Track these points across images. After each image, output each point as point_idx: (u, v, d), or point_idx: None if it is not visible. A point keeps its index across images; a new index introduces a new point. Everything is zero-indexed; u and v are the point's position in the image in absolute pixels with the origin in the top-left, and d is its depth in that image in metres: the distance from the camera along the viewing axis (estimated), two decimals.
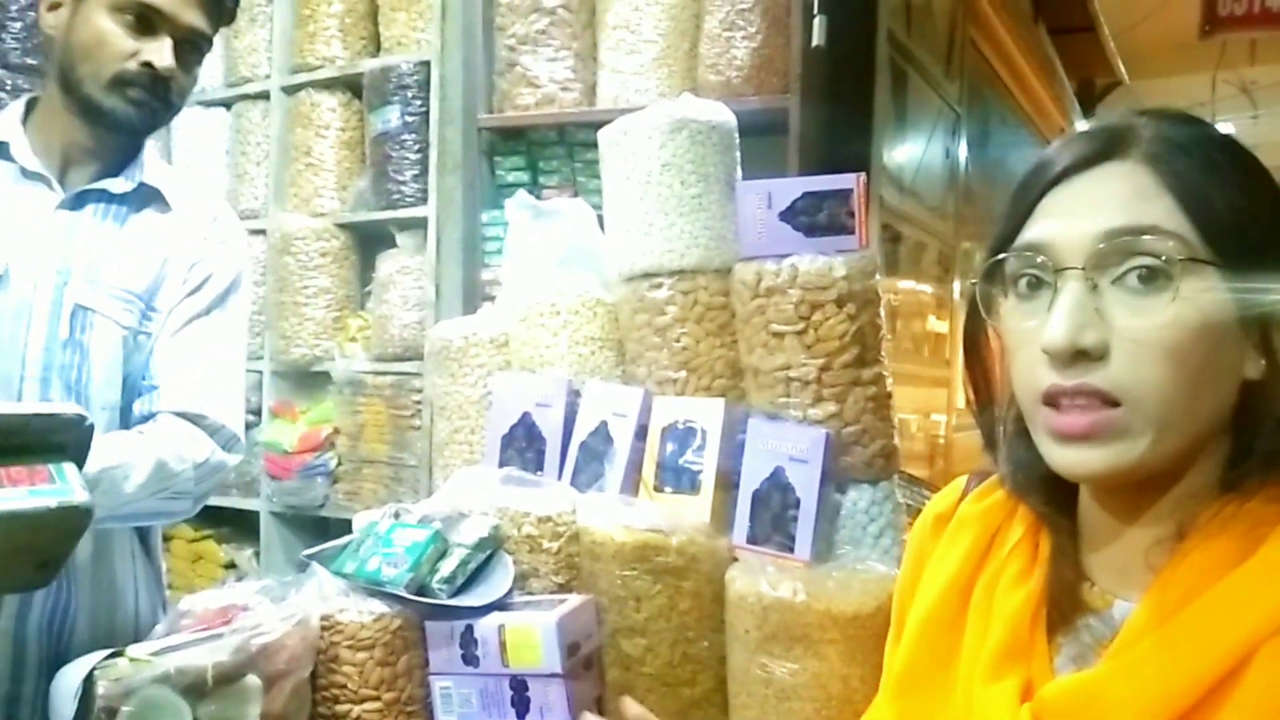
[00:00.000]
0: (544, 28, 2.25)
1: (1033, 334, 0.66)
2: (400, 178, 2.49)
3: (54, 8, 1.34)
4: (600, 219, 1.58)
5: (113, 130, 1.35)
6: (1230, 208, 0.63)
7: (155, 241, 1.41)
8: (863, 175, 1.35)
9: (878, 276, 1.36)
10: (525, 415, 1.49)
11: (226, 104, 2.92)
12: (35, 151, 1.35)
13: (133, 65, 1.30)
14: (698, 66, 2.13)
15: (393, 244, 2.62)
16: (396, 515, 1.36)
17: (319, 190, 2.68)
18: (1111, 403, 0.63)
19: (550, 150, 2.37)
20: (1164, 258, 0.62)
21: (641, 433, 1.41)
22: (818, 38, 2.00)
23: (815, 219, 1.35)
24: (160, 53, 1.30)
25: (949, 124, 3.28)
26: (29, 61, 2.75)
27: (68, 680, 1.15)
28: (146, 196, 1.41)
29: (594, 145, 1.59)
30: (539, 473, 1.46)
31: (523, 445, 1.49)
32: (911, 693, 0.76)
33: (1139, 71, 6.91)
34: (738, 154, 1.49)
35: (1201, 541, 0.64)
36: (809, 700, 1.16)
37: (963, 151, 3.47)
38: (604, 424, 1.44)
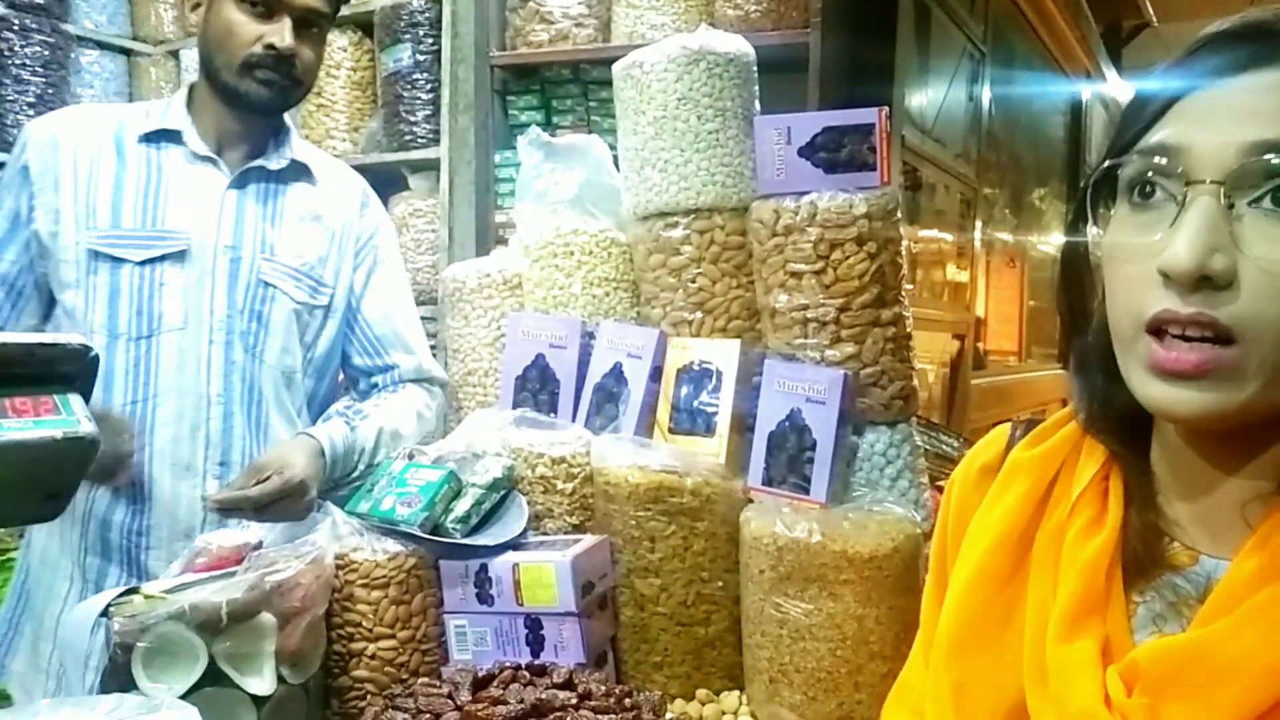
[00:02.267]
0: None
1: (1147, 250, 0.57)
2: (412, 118, 2.45)
3: (195, 7, 1.44)
4: (615, 158, 1.55)
5: (251, 111, 1.45)
6: None
7: (314, 217, 1.52)
8: (885, 109, 1.31)
9: (899, 215, 1.33)
10: (539, 357, 1.48)
11: None
12: (200, 136, 1.46)
13: (258, 48, 1.39)
14: (715, 1, 2.07)
15: (405, 186, 2.59)
16: (411, 456, 1.35)
17: (330, 132, 2.65)
18: (1225, 339, 0.55)
19: (564, 89, 2.32)
20: None
21: (656, 374, 1.39)
22: None
23: (836, 155, 1.31)
24: (281, 33, 1.39)
25: (973, 65, 3.20)
26: (36, 0, 2.72)
27: (82, 616, 1.16)
28: (297, 171, 1.52)
29: (609, 83, 1.55)
30: (552, 414, 1.44)
31: (536, 387, 1.48)
32: (969, 654, 0.68)
33: (1167, 14, 6.73)
34: (756, 88, 1.45)
35: None
36: (824, 640, 1.15)
37: (986, 94, 3.39)
38: (618, 365, 1.42)
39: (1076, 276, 0.67)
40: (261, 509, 1.27)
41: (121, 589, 1.17)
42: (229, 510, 1.29)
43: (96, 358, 0.76)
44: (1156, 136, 0.59)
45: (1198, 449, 0.63)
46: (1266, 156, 0.54)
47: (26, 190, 1.41)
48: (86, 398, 0.76)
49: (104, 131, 1.44)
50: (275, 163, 1.48)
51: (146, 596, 1.13)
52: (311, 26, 1.44)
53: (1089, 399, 0.68)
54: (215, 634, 1.10)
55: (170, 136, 1.45)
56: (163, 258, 1.40)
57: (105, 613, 1.10)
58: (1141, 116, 0.61)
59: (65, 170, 1.40)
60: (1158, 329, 0.57)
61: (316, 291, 1.50)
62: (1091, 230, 0.63)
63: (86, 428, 0.73)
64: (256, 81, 1.41)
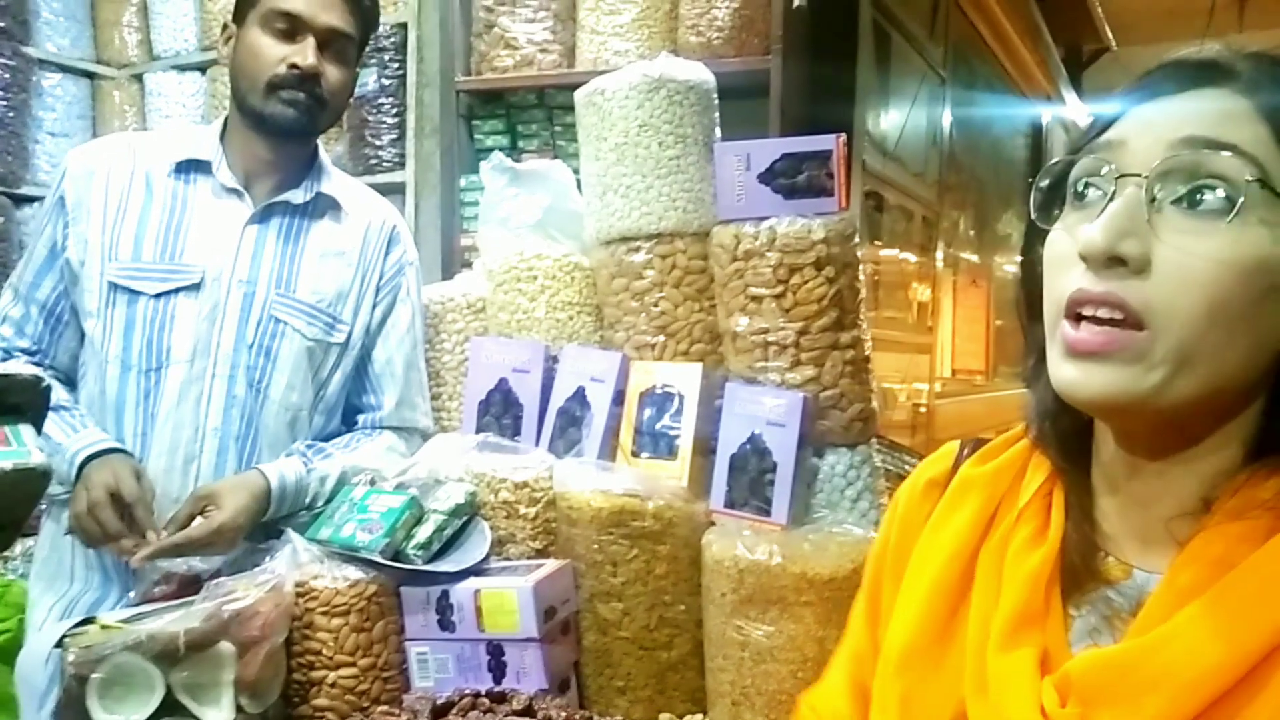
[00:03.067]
0: None
1: (1075, 235, 0.61)
2: (378, 142, 2.46)
3: (228, 40, 1.47)
4: (579, 182, 1.56)
5: (279, 135, 1.44)
6: None
7: (338, 253, 1.51)
8: (842, 136, 1.33)
9: (857, 239, 1.35)
10: (502, 381, 1.48)
11: (201, 67, 2.87)
12: (230, 167, 1.46)
13: (282, 69, 1.40)
14: (678, 27, 2.09)
15: None
16: (372, 482, 1.35)
17: None
18: (1137, 324, 0.57)
19: (529, 114, 2.33)
20: (1232, 182, 0.56)
21: (619, 398, 1.40)
22: None
23: (794, 181, 1.33)
24: (303, 53, 1.40)
25: (933, 88, 3.26)
26: None
27: (38, 648, 1.15)
28: (324, 205, 1.51)
29: (574, 108, 1.56)
30: (516, 438, 1.45)
31: (499, 411, 1.48)
32: (917, 666, 0.70)
33: (1126, 38, 6.88)
34: (716, 115, 1.47)
35: (1229, 515, 0.60)
36: (785, 662, 1.16)
37: (947, 117, 3.44)
38: (581, 389, 1.42)
39: (1034, 289, 0.69)
40: (182, 550, 1.28)
41: (77, 619, 1.16)
42: (154, 557, 1.28)
43: (49, 389, 0.76)
44: (1102, 137, 0.63)
45: (1126, 457, 0.65)
46: (1193, 152, 0.58)
47: (62, 219, 1.43)
48: (39, 428, 0.76)
49: (137, 163, 1.45)
50: (300, 196, 1.48)
51: (103, 626, 1.12)
52: (337, 48, 1.44)
53: (1038, 413, 0.70)
54: (173, 664, 1.09)
55: (200, 167, 1.46)
56: (176, 290, 1.41)
57: (60, 643, 1.09)
58: (1096, 126, 0.65)
59: (96, 202, 1.42)
60: (1074, 313, 0.60)
61: (332, 329, 1.49)
62: (1042, 226, 0.66)
63: (37, 459, 0.73)
64: (282, 102, 1.41)
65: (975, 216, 4.44)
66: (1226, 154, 0.57)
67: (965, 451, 0.78)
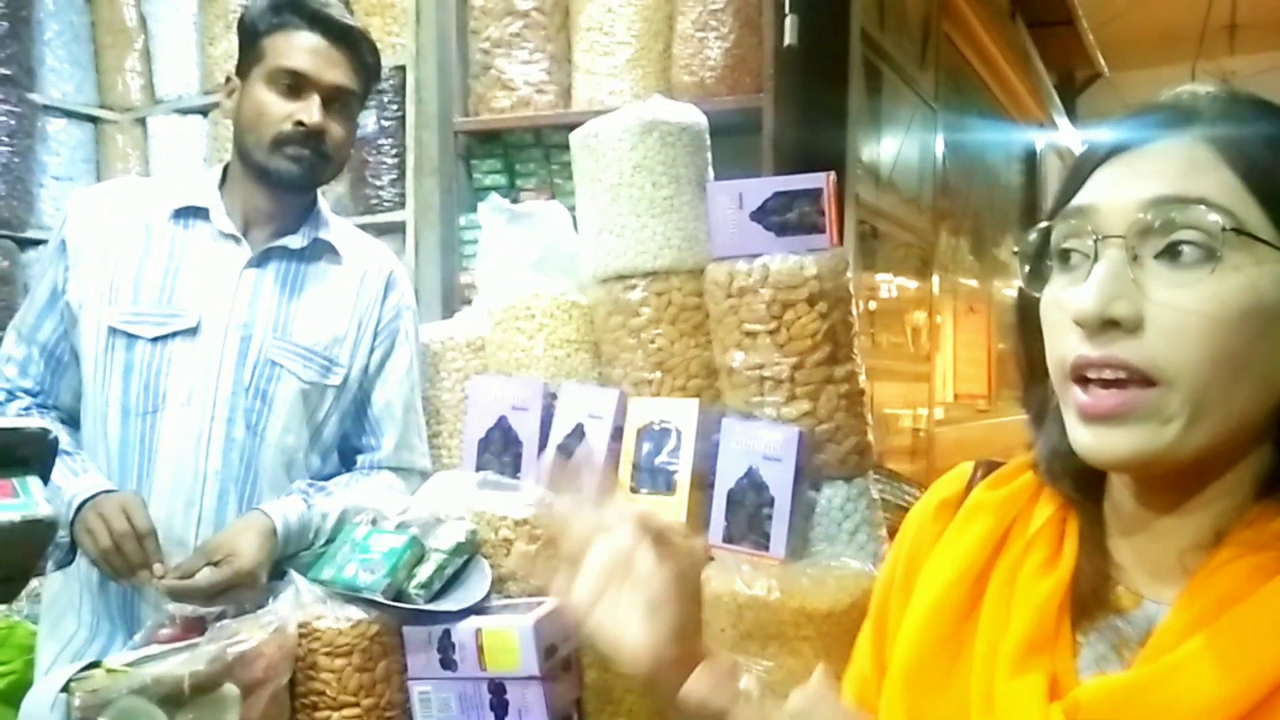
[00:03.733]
0: (518, 31, 2.25)
1: (1067, 302, 0.62)
2: (378, 182, 2.48)
3: (231, 94, 1.49)
4: (575, 221, 1.59)
5: (281, 188, 1.47)
6: None
7: (334, 297, 1.52)
8: (832, 174, 1.36)
9: (849, 274, 1.38)
10: (502, 419, 1.50)
11: (203, 111, 2.91)
12: (228, 214, 1.49)
13: (287, 126, 1.42)
14: (672, 67, 2.13)
15: None
16: (374, 521, 1.36)
17: None
18: (1145, 381, 0.59)
19: (527, 153, 2.36)
20: (1209, 232, 0.58)
21: (617, 434, 1.42)
22: (790, 37, 2.01)
23: (786, 218, 1.36)
24: (309, 110, 1.43)
25: (925, 120, 3.29)
26: (3, 71, 2.74)
27: (44, 692, 1.15)
28: (321, 250, 1.53)
29: (569, 147, 1.59)
30: (516, 476, 1.46)
31: (499, 449, 1.49)
32: (923, 687, 0.70)
33: (1119, 64, 6.95)
34: (709, 155, 1.50)
35: (1240, 547, 0.61)
36: (785, 697, 1.16)
37: (939, 146, 3.48)
38: (580, 426, 1.44)
39: (1030, 327, 0.70)
40: (211, 597, 1.29)
41: (83, 663, 1.17)
42: (180, 596, 1.29)
43: (55, 441, 0.78)
44: (1075, 200, 0.64)
45: (1142, 498, 0.66)
46: (1166, 209, 0.59)
47: (63, 263, 1.45)
48: (45, 480, 0.77)
49: (138, 209, 1.47)
50: (298, 242, 1.50)
51: (108, 671, 1.13)
52: (341, 104, 1.47)
53: (1048, 450, 0.71)
54: (178, 707, 1.10)
55: (199, 213, 1.48)
56: (174, 335, 1.42)
57: (66, 688, 1.10)
58: (1070, 184, 0.66)
59: (97, 247, 1.45)
60: (1080, 377, 0.61)
61: (328, 371, 1.50)
62: (1032, 291, 0.68)
63: (45, 510, 0.74)
64: (286, 158, 1.43)
65: (973, 242, 4.47)
66: (1197, 208, 0.59)
67: (979, 474, 0.79)
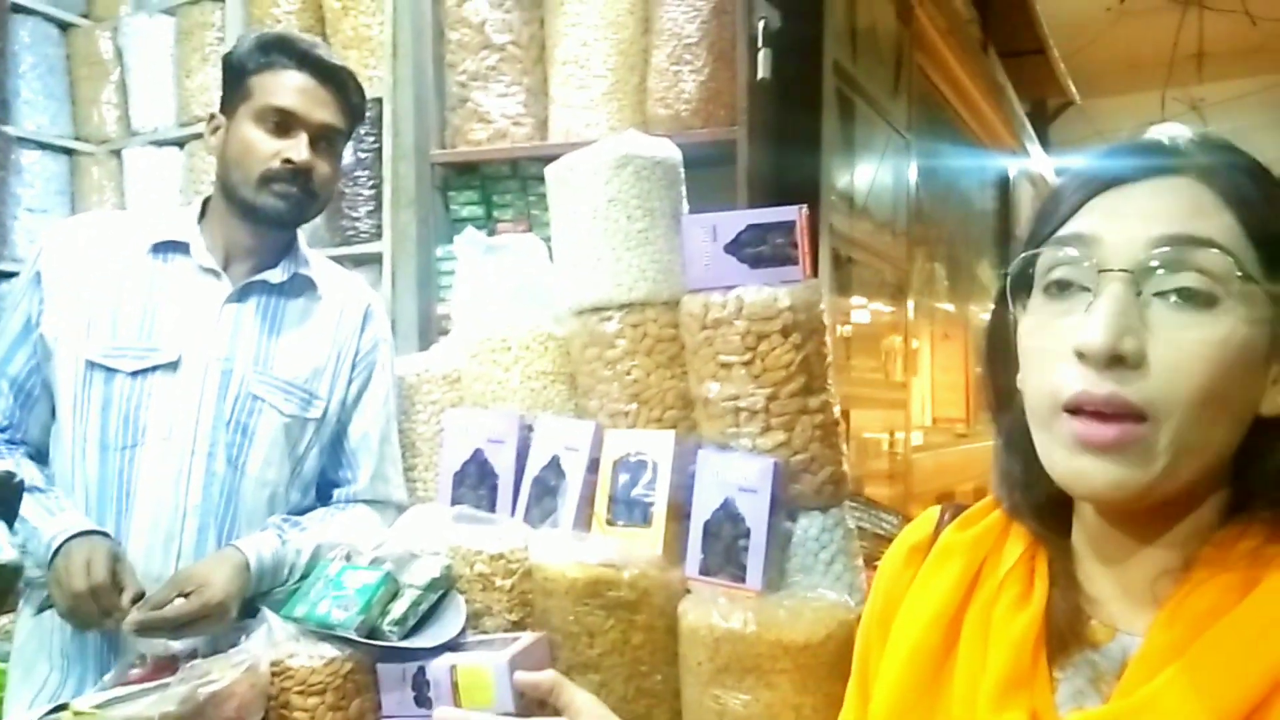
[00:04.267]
0: (494, 64, 2.27)
1: (1063, 334, 0.62)
2: (354, 214, 2.49)
3: (215, 130, 1.50)
4: (551, 252, 1.59)
5: (267, 225, 1.48)
6: None
7: (313, 331, 1.53)
8: (804, 207, 1.37)
9: (823, 306, 1.39)
10: (477, 452, 1.49)
11: (180, 143, 2.91)
12: (208, 249, 1.49)
13: (275, 163, 1.44)
14: (647, 100, 2.15)
15: None
16: (348, 557, 1.35)
17: None
18: (1138, 417, 0.59)
19: (504, 184, 2.38)
20: (1217, 276, 0.59)
21: (593, 466, 1.41)
22: (763, 70, 2.04)
23: (759, 251, 1.37)
24: (297, 149, 1.44)
25: (898, 148, 3.34)
26: None
27: None
28: (301, 286, 1.54)
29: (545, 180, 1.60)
30: (492, 510, 1.45)
31: (475, 482, 1.49)
32: None
33: (1090, 91, 7.07)
34: (683, 188, 1.51)
35: (1207, 573, 0.62)
36: None
37: (913, 175, 3.53)
38: (556, 458, 1.44)
39: (1000, 356, 0.71)
40: (178, 628, 1.28)
41: (51, 705, 1.15)
42: (146, 631, 1.28)
43: (20, 484, 0.77)
44: (1071, 228, 0.64)
45: (1113, 528, 0.67)
46: (1177, 249, 0.60)
47: (38, 296, 1.45)
48: (10, 523, 0.77)
49: (115, 242, 1.47)
50: (278, 276, 1.50)
51: (76, 713, 1.11)
52: (328, 142, 1.49)
53: (1010, 485, 0.72)
54: None
55: (178, 248, 1.48)
56: (154, 369, 1.42)
57: None
58: (1057, 213, 0.66)
59: (73, 280, 1.44)
60: (1074, 409, 0.61)
61: (309, 404, 1.50)
62: (1012, 317, 0.68)
63: (8, 555, 0.73)
64: (274, 195, 1.44)
65: (948, 268, 4.52)
66: (1205, 250, 0.60)
67: (946, 517, 0.79)
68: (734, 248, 1.37)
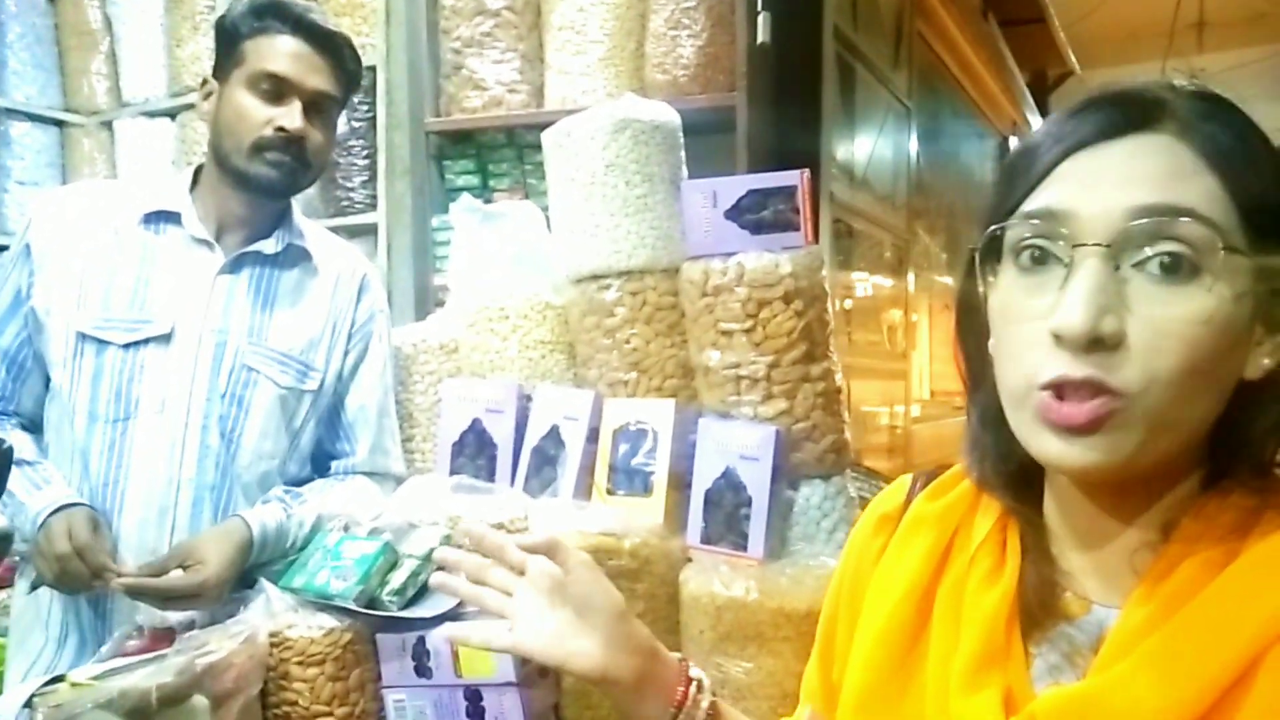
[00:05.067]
0: (489, 30, 2.23)
1: (1036, 311, 0.59)
2: (349, 184, 2.45)
3: (207, 96, 1.47)
4: (549, 220, 1.57)
5: (260, 193, 1.45)
6: (1271, 191, 0.58)
7: (308, 302, 1.51)
8: (806, 172, 1.35)
9: (825, 272, 1.37)
10: (476, 422, 1.48)
11: (171, 114, 2.87)
12: (201, 219, 1.46)
13: (268, 131, 1.41)
14: (644, 66, 2.11)
15: None
16: (346, 528, 1.34)
17: None
18: (1112, 392, 0.57)
19: (499, 153, 2.34)
20: (1197, 246, 0.56)
21: (593, 435, 1.40)
22: (763, 35, 2.00)
23: (760, 216, 1.35)
24: (290, 116, 1.41)
25: (899, 118, 3.30)
26: None
27: (7, 707, 1.12)
28: (295, 256, 1.51)
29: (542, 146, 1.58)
30: (491, 479, 1.44)
31: (474, 452, 1.48)
32: (874, 711, 0.69)
33: (1090, 61, 7.01)
34: (682, 153, 1.49)
35: (1186, 545, 0.60)
36: (764, 699, 1.16)
37: (913, 145, 3.49)
38: (555, 428, 1.43)
39: (971, 329, 0.68)
40: (169, 599, 1.27)
41: (47, 676, 1.14)
42: (137, 594, 1.28)
43: (10, 452, 0.75)
44: (1040, 200, 0.60)
45: (1088, 501, 0.64)
46: (1154, 220, 0.56)
47: (28, 267, 1.42)
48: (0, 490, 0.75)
49: (106, 212, 1.44)
50: (272, 247, 1.48)
51: (73, 684, 1.10)
52: (322, 110, 1.46)
53: (980, 456, 0.70)
54: None
55: (170, 218, 1.45)
56: (146, 341, 1.40)
57: (29, 703, 1.07)
58: (1024, 179, 0.62)
59: (64, 250, 1.41)
60: (1051, 389, 0.58)
61: (304, 376, 1.48)
62: (981, 289, 0.65)
63: None
64: (266, 163, 1.41)
65: (947, 240, 4.49)
66: (1185, 220, 0.56)
67: (918, 485, 0.77)
68: (734, 213, 1.35)
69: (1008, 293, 0.62)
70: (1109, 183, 0.58)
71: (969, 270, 0.66)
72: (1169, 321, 0.56)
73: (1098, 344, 0.56)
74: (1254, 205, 0.57)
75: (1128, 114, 0.59)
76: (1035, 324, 0.59)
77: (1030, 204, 0.61)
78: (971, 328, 0.68)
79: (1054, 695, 0.61)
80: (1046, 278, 0.59)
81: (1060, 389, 0.58)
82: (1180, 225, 0.56)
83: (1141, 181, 0.57)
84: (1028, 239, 0.60)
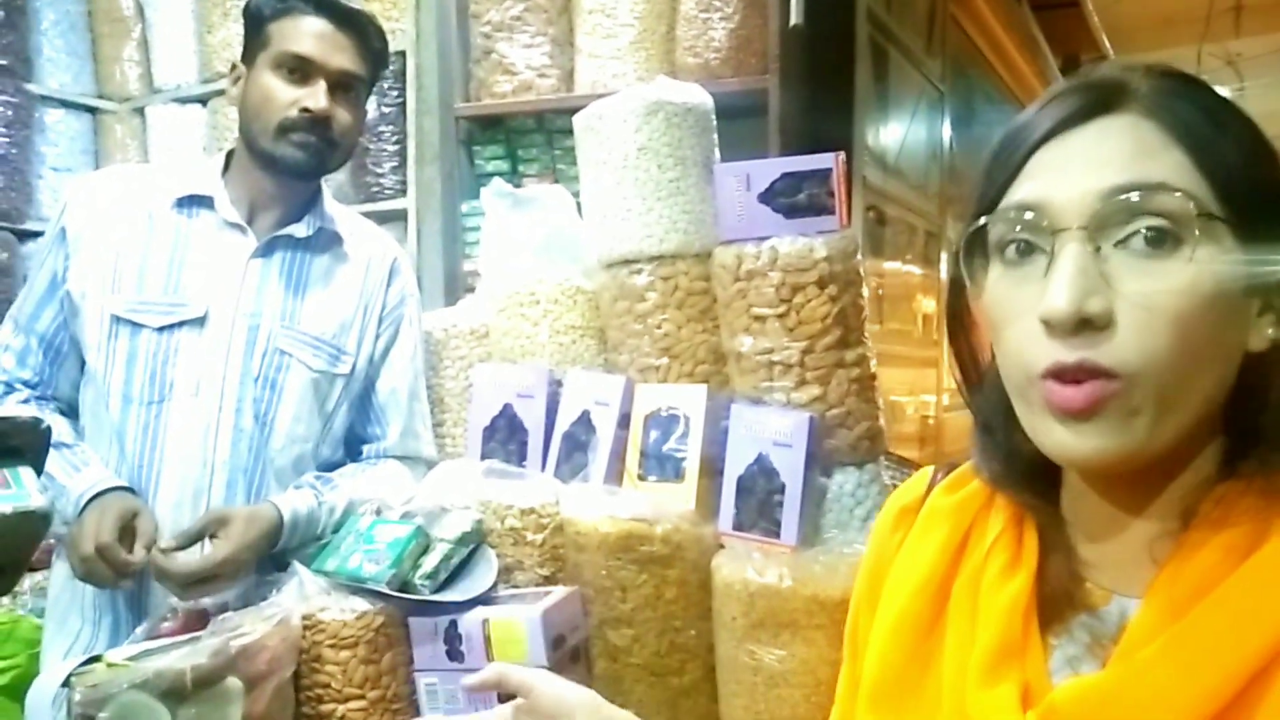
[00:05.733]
0: (519, 14, 2.22)
1: (1026, 303, 0.59)
2: (378, 169, 2.46)
3: (236, 81, 1.48)
4: (579, 206, 1.56)
5: (287, 175, 1.45)
6: (1242, 161, 0.58)
7: (340, 286, 1.51)
8: (842, 154, 1.33)
9: (859, 257, 1.35)
10: (507, 407, 1.48)
11: (202, 100, 2.88)
12: (233, 202, 1.47)
13: (293, 112, 1.41)
14: (675, 49, 2.10)
15: None
16: (378, 511, 1.34)
17: None
18: (1110, 375, 0.57)
19: (529, 138, 2.34)
20: (1174, 218, 0.56)
21: (624, 421, 1.39)
22: (796, 17, 1.98)
23: (795, 200, 1.33)
24: (315, 96, 1.41)
25: (932, 102, 3.26)
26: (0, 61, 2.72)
27: (45, 687, 1.14)
28: (327, 240, 1.51)
29: (572, 132, 1.57)
30: (522, 464, 1.44)
31: (505, 437, 1.47)
32: (889, 704, 0.68)
33: (1123, 46, 6.89)
34: (715, 136, 1.47)
35: (1207, 532, 0.59)
36: (798, 687, 1.14)
37: (946, 130, 3.44)
38: (586, 413, 1.42)
39: (965, 335, 0.69)
40: (186, 587, 1.28)
41: (84, 657, 1.16)
42: (159, 577, 1.29)
43: (48, 430, 0.76)
44: (1017, 195, 0.61)
45: (1104, 491, 0.64)
46: (1126, 198, 0.57)
47: (63, 251, 1.44)
48: (39, 471, 0.75)
49: (139, 196, 1.45)
50: (304, 231, 1.48)
51: (109, 665, 1.11)
52: (348, 90, 1.45)
53: (990, 455, 0.69)
54: (180, 701, 1.08)
55: (202, 202, 1.46)
56: (180, 324, 1.41)
57: (67, 683, 1.08)
58: (999, 176, 0.63)
59: (98, 234, 1.43)
60: (1049, 378, 0.58)
61: (337, 360, 1.49)
62: (970, 287, 0.65)
63: (38, 501, 0.72)
64: (292, 145, 1.41)
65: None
66: (1158, 194, 0.56)
67: (938, 476, 0.77)
68: (768, 197, 1.33)
69: (997, 289, 0.62)
70: (1079, 168, 0.59)
71: (954, 269, 0.66)
72: (1155, 295, 0.56)
73: (1086, 325, 0.56)
74: (1226, 176, 0.57)
75: (1091, 100, 0.60)
76: (1026, 317, 0.59)
77: (1006, 200, 0.62)
78: (961, 328, 0.69)
79: (1074, 686, 0.60)
80: (1032, 269, 0.60)
81: (1058, 377, 0.58)
82: (1154, 199, 0.56)
83: (1110, 162, 0.58)
84: (1009, 234, 0.61)
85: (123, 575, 1.29)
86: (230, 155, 1.51)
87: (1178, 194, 0.56)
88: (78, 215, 1.44)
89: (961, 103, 3.70)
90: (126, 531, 1.30)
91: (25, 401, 1.44)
